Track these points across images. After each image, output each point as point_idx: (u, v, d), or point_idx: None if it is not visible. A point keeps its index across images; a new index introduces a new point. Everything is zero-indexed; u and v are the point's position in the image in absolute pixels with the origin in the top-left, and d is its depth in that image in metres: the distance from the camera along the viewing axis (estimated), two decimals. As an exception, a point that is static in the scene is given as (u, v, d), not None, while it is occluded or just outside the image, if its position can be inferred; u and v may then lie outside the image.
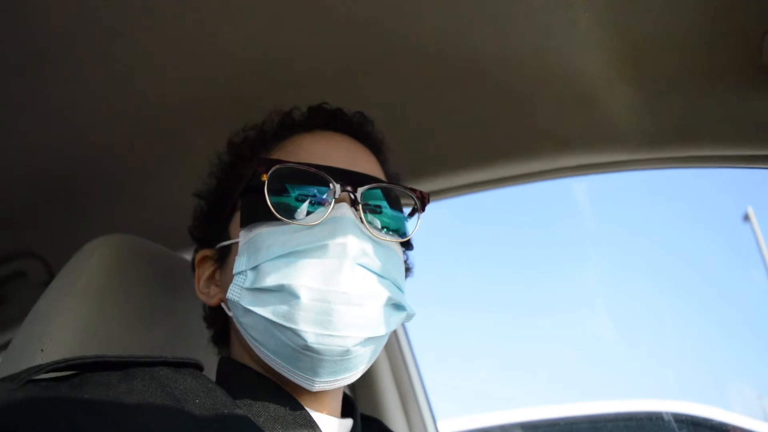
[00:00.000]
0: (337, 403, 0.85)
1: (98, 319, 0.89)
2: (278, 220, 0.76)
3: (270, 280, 0.74)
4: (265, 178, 0.77)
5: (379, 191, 0.83)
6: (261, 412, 0.74)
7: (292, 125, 0.93)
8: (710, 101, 1.07)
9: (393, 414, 1.53)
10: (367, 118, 0.96)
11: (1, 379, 0.62)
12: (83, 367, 0.67)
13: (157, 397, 0.65)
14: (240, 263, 0.78)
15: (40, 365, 0.63)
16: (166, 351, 0.97)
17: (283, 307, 0.73)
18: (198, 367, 0.76)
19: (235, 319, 0.80)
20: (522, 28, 1.03)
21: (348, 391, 0.91)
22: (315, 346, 0.72)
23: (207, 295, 0.89)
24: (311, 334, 0.72)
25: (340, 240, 0.74)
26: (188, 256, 0.99)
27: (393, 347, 1.58)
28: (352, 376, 0.79)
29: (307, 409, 0.78)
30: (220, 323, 0.91)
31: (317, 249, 0.74)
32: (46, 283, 0.95)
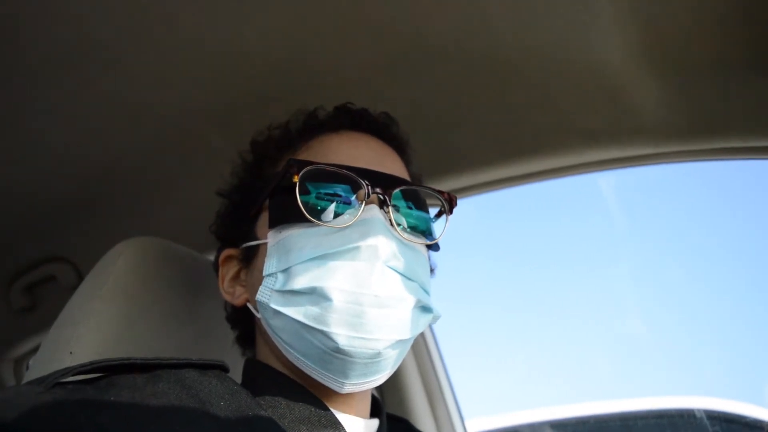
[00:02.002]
0: (365, 404, 0.85)
1: (125, 322, 0.90)
2: (309, 221, 0.76)
3: (301, 282, 0.74)
4: (296, 179, 0.77)
5: (407, 191, 0.83)
6: (286, 413, 0.74)
7: (317, 125, 0.93)
8: (737, 91, 1.05)
9: (420, 414, 1.52)
10: (392, 119, 0.96)
11: (29, 382, 0.63)
12: (110, 369, 0.68)
13: (183, 399, 0.65)
14: (270, 265, 0.78)
15: (67, 368, 0.64)
16: (193, 353, 0.97)
17: (315, 310, 0.73)
18: (223, 368, 0.76)
19: (263, 321, 0.80)
20: (545, 22, 1.02)
21: (375, 392, 0.91)
22: (346, 348, 0.72)
23: (232, 295, 0.89)
24: (343, 336, 0.72)
25: (371, 242, 0.74)
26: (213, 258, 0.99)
27: (420, 347, 1.58)
28: (381, 378, 0.79)
29: (332, 410, 0.78)
30: (245, 323, 0.91)
31: (349, 251, 0.74)
32: (76, 287, 0.96)
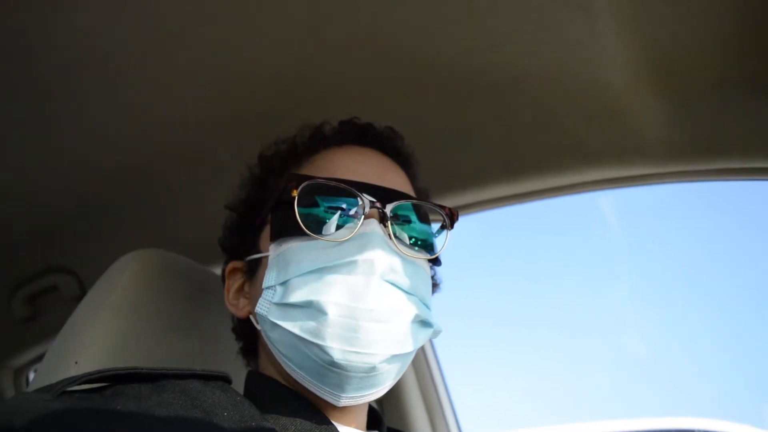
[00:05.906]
0: (363, 417, 0.85)
1: (131, 333, 0.91)
2: (308, 235, 0.77)
3: (298, 296, 0.74)
4: (295, 193, 0.77)
5: (408, 205, 0.83)
6: (288, 425, 0.75)
7: (322, 139, 0.93)
8: (739, 112, 1.06)
9: (420, 429, 1.52)
10: (396, 133, 0.96)
11: (37, 390, 0.63)
12: (115, 379, 0.68)
13: (187, 409, 0.66)
14: (269, 278, 0.78)
15: (74, 377, 0.64)
16: (197, 364, 0.98)
17: (311, 323, 0.73)
18: (226, 380, 0.76)
19: (263, 333, 0.81)
20: (549, 42, 1.03)
21: (375, 405, 0.91)
22: (341, 362, 0.72)
23: (236, 306, 0.89)
24: (338, 350, 0.72)
25: (368, 256, 0.74)
26: (219, 271, 1.00)
27: (420, 362, 1.57)
28: (378, 392, 0.79)
29: (333, 423, 0.78)
30: (249, 335, 0.91)
31: (345, 265, 0.74)
32: (78, 298, 0.97)
